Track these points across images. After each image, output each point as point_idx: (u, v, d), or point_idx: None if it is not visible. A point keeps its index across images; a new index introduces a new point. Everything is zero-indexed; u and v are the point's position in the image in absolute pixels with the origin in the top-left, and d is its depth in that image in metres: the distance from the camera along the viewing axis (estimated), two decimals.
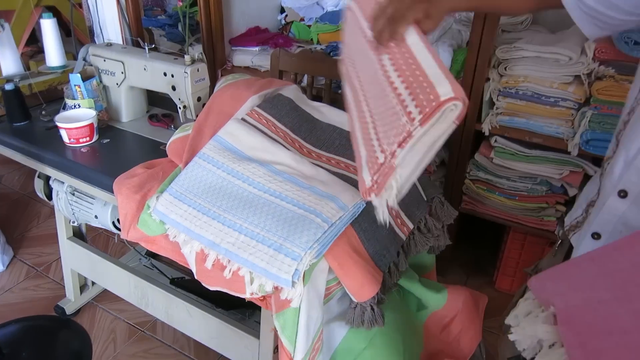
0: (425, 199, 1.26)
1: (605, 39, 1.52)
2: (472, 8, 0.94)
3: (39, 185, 1.58)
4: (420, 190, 1.26)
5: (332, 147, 1.26)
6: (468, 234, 2.12)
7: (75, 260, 1.81)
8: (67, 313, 1.89)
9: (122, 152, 1.43)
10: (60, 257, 1.86)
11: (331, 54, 2.13)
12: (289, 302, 0.98)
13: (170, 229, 1.11)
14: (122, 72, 1.49)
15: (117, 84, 1.52)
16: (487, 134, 1.68)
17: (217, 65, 2.23)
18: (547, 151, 1.66)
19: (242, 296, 1.05)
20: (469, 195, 1.84)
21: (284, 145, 1.19)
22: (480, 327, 1.34)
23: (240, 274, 1.01)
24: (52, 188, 1.55)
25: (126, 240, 1.22)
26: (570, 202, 1.71)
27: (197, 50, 2.39)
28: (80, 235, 1.82)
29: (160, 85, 1.44)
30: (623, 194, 0.73)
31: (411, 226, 1.19)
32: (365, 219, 1.07)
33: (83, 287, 1.97)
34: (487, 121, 1.67)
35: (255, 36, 2.37)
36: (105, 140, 1.46)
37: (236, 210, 1.05)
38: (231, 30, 2.35)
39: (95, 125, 1.44)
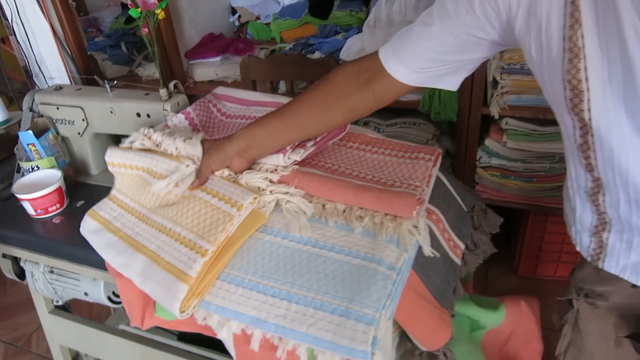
0: (466, 210, 1.12)
1: None
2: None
3: (5, 266, 1.32)
4: (460, 202, 1.11)
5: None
6: None
7: (63, 334, 1.58)
8: None
9: None
10: (41, 325, 1.62)
11: (302, 52, 1.94)
12: None
13: (198, 310, 0.91)
14: (83, 119, 1.26)
15: (78, 133, 1.28)
16: (496, 117, 1.54)
17: None
18: None
19: None
20: (481, 184, 1.72)
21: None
22: (540, 337, 1.22)
23: (297, 354, 0.83)
24: (23, 268, 1.31)
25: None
26: None
27: (148, 70, 2.15)
28: (62, 305, 1.58)
29: (133, 128, 1.21)
30: None
31: (462, 247, 1.04)
32: (419, 252, 0.91)
33: (76, 358, 1.73)
34: (494, 103, 1.53)
35: (212, 44, 2.14)
36: (79, 203, 1.23)
37: (277, 274, 0.86)
38: (184, 41, 2.11)
39: (64, 188, 1.21)
